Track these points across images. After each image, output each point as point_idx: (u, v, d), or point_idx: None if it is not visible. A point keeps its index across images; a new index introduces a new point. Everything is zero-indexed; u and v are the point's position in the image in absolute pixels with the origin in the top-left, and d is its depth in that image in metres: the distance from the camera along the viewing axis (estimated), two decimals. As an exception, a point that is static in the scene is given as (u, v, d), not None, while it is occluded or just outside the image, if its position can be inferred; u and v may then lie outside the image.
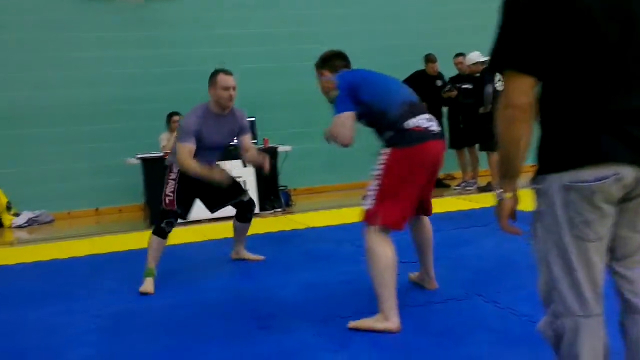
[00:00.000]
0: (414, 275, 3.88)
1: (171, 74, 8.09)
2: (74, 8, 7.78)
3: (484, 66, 7.68)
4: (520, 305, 3.28)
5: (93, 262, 5.06)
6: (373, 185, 3.10)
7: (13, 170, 7.64)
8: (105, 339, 3.22)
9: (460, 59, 7.95)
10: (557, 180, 1.68)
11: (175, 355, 2.93)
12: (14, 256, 5.58)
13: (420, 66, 8.21)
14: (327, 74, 3.40)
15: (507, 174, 1.80)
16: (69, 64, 7.78)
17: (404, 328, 3.06)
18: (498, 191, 1.84)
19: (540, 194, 1.75)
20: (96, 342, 3.17)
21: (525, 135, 1.71)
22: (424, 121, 3.13)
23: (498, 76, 7.59)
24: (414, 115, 3.12)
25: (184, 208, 4.25)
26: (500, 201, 1.83)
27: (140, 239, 5.86)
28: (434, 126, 3.16)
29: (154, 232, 4.16)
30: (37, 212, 7.56)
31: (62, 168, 7.81)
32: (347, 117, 3.12)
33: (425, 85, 8.12)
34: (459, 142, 8.08)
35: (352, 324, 3.11)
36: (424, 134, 3.09)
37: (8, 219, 7.43)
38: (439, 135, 3.20)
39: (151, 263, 4.10)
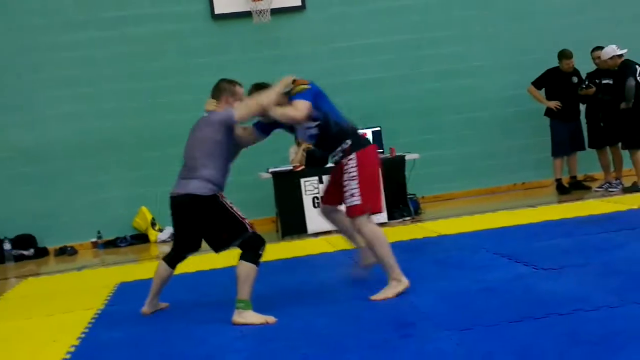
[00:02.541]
0: (362, 263, 4.30)
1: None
2: (199, 33, 8.18)
3: (622, 59, 7.19)
4: (684, 313, 3.00)
5: (232, 273, 5.24)
6: (353, 185, 3.74)
7: (157, 189, 8.15)
8: (250, 346, 3.31)
9: (598, 52, 7.48)
10: None
11: (317, 364, 2.95)
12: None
13: (552, 64, 7.84)
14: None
15: None
16: (199, 87, 8.17)
17: (555, 337, 2.89)
18: None
19: None
20: (243, 349, 3.27)
21: None
22: None
23: (639, 69, 7.09)
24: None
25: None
26: None
27: (274, 250, 6.05)
28: None
29: (254, 262, 3.68)
30: (178, 228, 8.00)
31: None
32: (307, 105, 3.75)
33: (559, 83, 7.75)
34: (599, 141, 7.60)
35: (374, 297, 3.77)
36: (368, 139, 4.07)
37: (153, 235, 7.93)
38: None
39: (250, 294, 3.68)
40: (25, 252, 7.73)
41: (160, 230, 7.98)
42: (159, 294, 4.20)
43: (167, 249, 7.41)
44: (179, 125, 8.07)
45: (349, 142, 3.83)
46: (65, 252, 7.78)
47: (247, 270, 3.64)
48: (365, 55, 8.41)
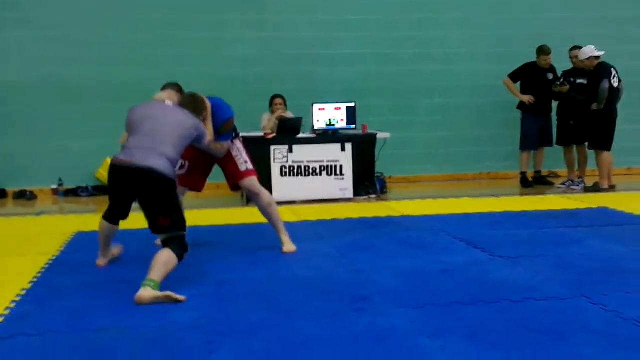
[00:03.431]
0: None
1: (271, 56, 8.22)
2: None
3: (599, 61, 7.29)
4: (629, 309, 3.10)
5: (195, 233, 5.20)
6: (243, 155, 4.55)
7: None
8: (206, 305, 3.33)
9: (575, 52, 7.56)
10: None
11: (270, 328, 2.97)
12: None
13: (530, 58, 7.91)
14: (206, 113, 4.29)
15: None
16: (179, 42, 8.05)
17: (504, 322, 2.97)
18: None
19: None
20: (199, 308, 3.28)
21: None
22: None
23: (614, 72, 7.20)
24: None
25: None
26: None
27: (238, 215, 6.05)
28: None
29: (178, 257, 3.54)
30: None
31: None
32: (229, 145, 4.48)
33: (535, 78, 7.83)
34: (567, 139, 7.73)
35: (285, 250, 4.46)
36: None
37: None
38: None
39: (162, 279, 3.45)
40: (-18, 193, 7.58)
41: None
42: (109, 246, 4.20)
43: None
44: (150, 80, 7.93)
45: (234, 133, 4.60)
46: (24, 196, 7.64)
47: (170, 257, 3.49)
48: (347, 30, 8.37)
